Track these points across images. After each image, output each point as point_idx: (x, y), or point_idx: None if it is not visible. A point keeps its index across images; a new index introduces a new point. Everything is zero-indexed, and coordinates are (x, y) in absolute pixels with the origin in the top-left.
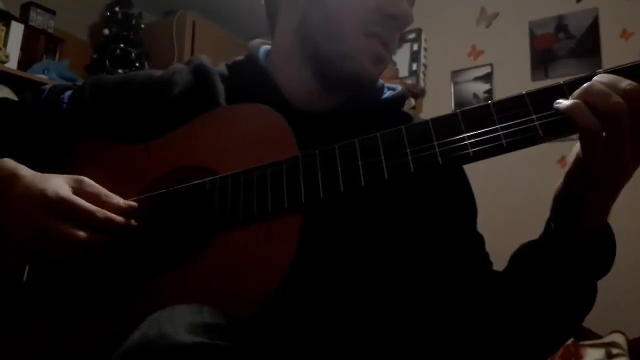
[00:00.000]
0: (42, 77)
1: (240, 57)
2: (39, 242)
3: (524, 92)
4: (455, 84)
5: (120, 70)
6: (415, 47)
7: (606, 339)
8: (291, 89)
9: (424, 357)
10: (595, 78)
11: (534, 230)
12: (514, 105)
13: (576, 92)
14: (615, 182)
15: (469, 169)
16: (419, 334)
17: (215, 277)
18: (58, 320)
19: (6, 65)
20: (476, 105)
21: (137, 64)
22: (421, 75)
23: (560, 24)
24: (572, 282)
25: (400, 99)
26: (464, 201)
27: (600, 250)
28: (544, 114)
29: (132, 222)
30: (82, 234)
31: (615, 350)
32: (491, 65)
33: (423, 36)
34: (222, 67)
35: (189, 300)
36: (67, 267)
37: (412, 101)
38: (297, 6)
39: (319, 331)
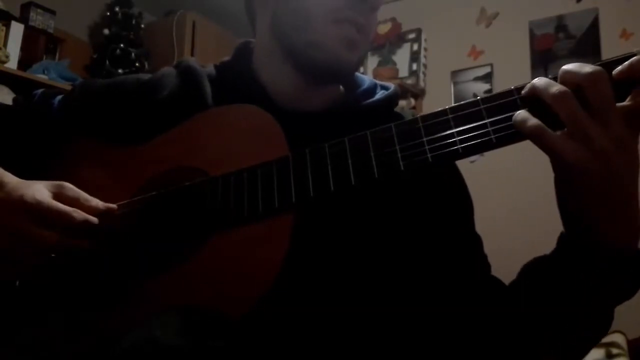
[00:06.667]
0: (42, 77)
1: (227, 58)
2: (14, 245)
3: (512, 87)
4: (455, 84)
5: (120, 70)
6: (415, 47)
7: (606, 339)
8: (276, 87)
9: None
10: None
11: (535, 230)
12: (503, 100)
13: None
14: (606, 186)
15: (471, 167)
16: (414, 336)
17: (208, 277)
18: (50, 325)
19: (6, 65)
20: (465, 101)
21: (137, 64)
22: (421, 75)
23: (560, 24)
24: (578, 308)
25: (392, 99)
26: (459, 200)
27: (619, 277)
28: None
29: (114, 222)
30: (54, 235)
31: (615, 350)
32: (491, 65)
33: (423, 36)
34: (210, 69)
35: (183, 301)
36: (56, 271)
37: (412, 101)
38: (269, 3)
39: (312, 330)
